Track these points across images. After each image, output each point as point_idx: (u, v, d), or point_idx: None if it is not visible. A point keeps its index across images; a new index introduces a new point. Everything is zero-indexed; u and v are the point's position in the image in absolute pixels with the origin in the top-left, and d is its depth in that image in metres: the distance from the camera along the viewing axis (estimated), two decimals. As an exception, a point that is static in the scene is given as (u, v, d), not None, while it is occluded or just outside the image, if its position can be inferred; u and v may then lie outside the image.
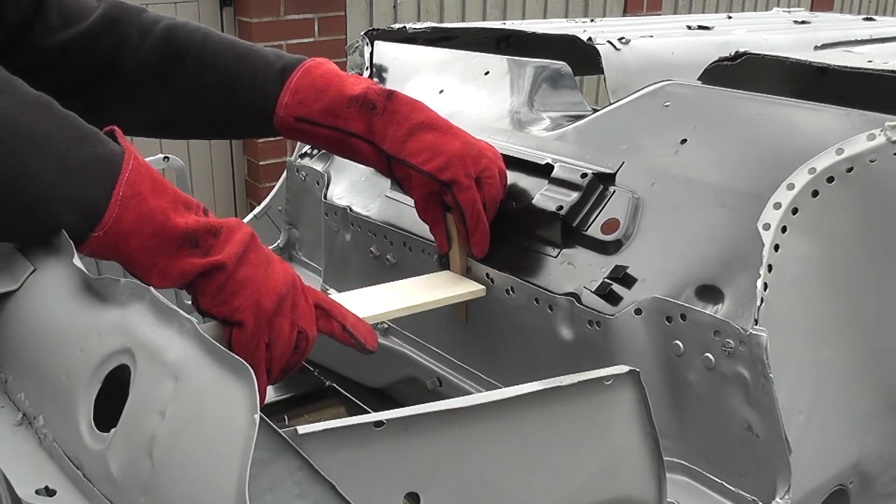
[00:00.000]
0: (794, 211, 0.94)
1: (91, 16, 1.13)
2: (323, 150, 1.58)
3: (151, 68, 1.15)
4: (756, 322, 0.91)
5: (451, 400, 0.72)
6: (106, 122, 0.92)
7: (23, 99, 0.85)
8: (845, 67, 1.26)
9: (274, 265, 0.95)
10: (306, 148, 1.67)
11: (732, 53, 1.37)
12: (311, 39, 4.15)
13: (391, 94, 1.15)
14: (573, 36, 1.73)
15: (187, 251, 0.89)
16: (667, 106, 1.19)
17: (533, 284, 1.15)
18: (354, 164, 1.26)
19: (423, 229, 1.26)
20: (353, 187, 1.50)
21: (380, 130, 1.14)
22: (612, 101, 1.29)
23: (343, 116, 1.14)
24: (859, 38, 1.89)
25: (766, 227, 0.93)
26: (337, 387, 1.48)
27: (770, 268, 0.92)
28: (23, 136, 0.83)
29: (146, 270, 0.90)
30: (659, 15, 5.24)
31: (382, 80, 1.65)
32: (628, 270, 1.06)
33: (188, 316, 0.73)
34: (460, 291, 1.20)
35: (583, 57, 1.69)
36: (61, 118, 0.87)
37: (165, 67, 1.15)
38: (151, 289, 0.77)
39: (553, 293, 1.12)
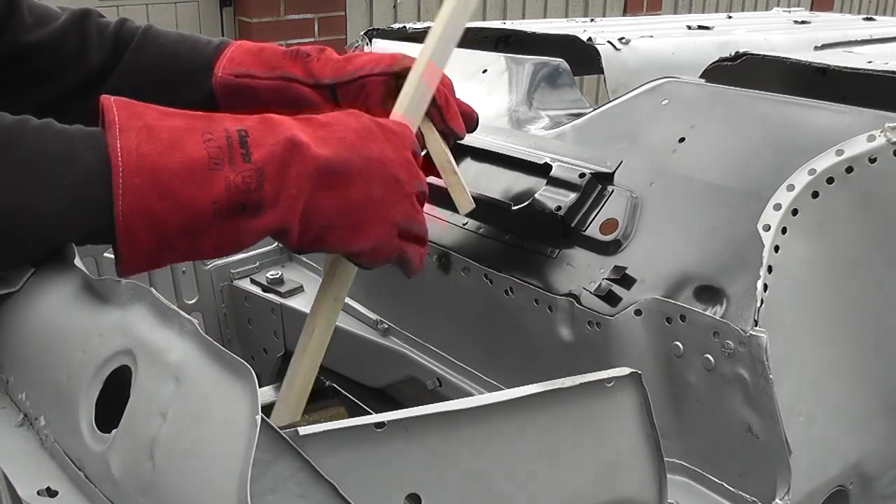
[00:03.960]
0: (794, 212, 0.94)
1: (60, 17, 1.16)
2: None
3: (110, 63, 1.17)
4: (756, 323, 0.91)
5: (453, 401, 0.72)
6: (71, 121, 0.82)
7: None
8: (845, 68, 1.26)
9: (373, 169, 0.85)
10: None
11: (732, 54, 1.37)
12: (311, 39, 4.15)
13: (324, 48, 1.17)
14: (573, 36, 1.73)
15: (237, 216, 0.79)
16: (665, 104, 1.19)
17: (532, 285, 1.15)
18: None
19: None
20: (353, 187, 1.50)
21: (318, 71, 1.14)
22: (611, 100, 1.29)
23: (281, 66, 1.15)
24: (859, 39, 1.89)
25: (767, 228, 0.93)
26: (337, 387, 1.48)
27: (770, 269, 0.93)
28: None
29: (196, 255, 0.82)
30: (659, 15, 5.24)
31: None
32: (627, 271, 1.06)
33: (188, 317, 0.73)
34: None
35: (583, 57, 1.69)
36: (20, 161, 0.75)
37: (117, 57, 1.17)
38: (152, 290, 0.77)
39: (552, 294, 1.12)
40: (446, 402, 0.71)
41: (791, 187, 0.94)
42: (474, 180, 1.31)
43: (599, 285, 1.07)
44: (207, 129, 0.80)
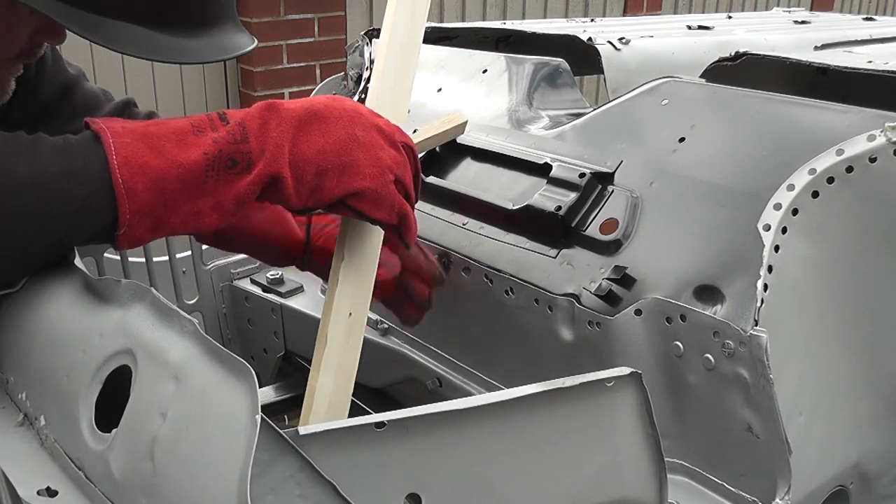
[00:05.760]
0: (795, 212, 0.94)
1: (106, 107, 1.19)
2: None
3: None
4: (756, 323, 0.91)
5: (453, 401, 0.72)
6: None
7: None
8: (846, 68, 1.26)
9: (352, 117, 0.86)
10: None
11: (733, 54, 1.37)
12: (311, 39, 4.15)
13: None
14: (573, 36, 1.73)
15: (230, 172, 0.81)
16: (665, 104, 1.19)
17: (532, 285, 1.15)
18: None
19: (421, 230, 1.26)
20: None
21: None
22: (611, 100, 1.29)
23: None
24: (859, 38, 1.88)
25: (767, 227, 0.93)
26: (337, 387, 1.48)
27: (770, 269, 0.92)
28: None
29: (197, 218, 0.82)
30: (659, 15, 5.24)
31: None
32: (627, 271, 1.06)
33: (189, 317, 0.73)
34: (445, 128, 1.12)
35: (583, 57, 1.69)
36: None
37: None
38: (152, 290, 0.77)
39: (553, 294, 1.12)
40: (446, 402, 0.71)
41: (791, 187, 0.94)
42: (475, 180, 1.32)
43: (600, 285, 1.07)
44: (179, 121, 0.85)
